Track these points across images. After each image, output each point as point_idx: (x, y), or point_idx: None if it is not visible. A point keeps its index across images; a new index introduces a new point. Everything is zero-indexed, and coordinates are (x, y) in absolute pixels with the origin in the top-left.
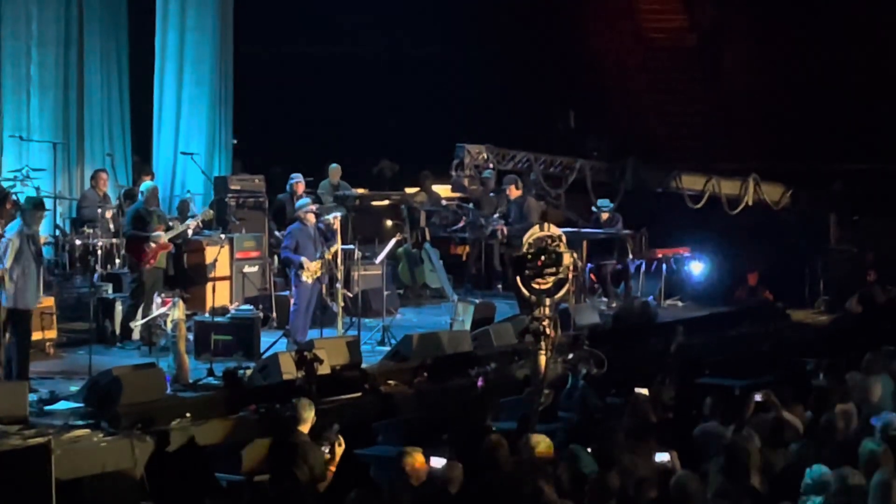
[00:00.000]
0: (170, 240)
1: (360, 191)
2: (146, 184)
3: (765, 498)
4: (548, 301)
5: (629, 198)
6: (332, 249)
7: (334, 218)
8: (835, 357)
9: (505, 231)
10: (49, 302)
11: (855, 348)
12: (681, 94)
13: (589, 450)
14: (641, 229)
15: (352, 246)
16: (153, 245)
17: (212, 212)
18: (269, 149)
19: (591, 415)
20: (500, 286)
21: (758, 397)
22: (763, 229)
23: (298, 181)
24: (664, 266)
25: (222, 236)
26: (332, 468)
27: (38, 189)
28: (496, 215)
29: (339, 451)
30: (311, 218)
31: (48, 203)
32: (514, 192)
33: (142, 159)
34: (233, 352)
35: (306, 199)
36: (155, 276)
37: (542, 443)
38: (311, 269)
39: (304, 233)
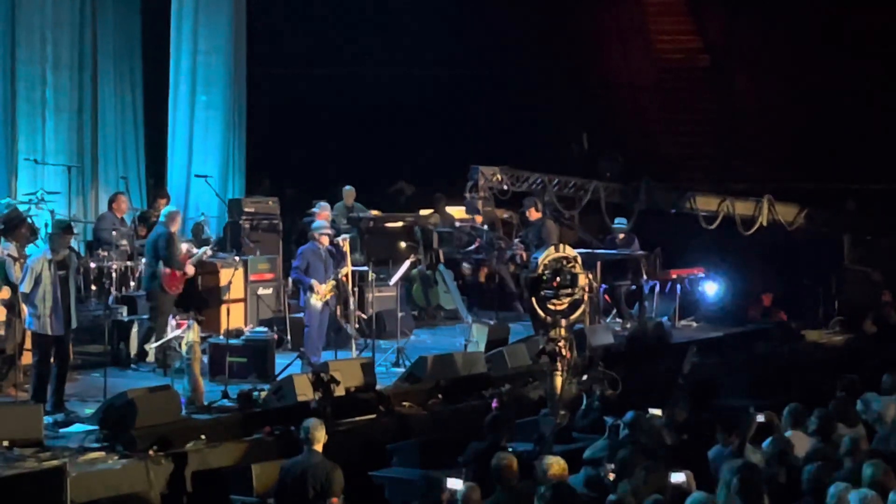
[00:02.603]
0: None
1: (374, 212)
2: (168, 208)
3: None
4: (563, 322)
5: (643, 218)
6: (343, 271)
7: (343, 240)
8: (850, 378)
9: (525, 256)
10: None
11: (870, 369)
12: (694, 115)
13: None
14: (655, 250)
15: (366, 268)
16: (183, 272)
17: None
18: (283, 171)
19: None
20: (518, 305)
21: (760, 418)
22: (777, 250)
23: (320, 212)
24: (678, 287)
25: (236, 258)
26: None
27: (52, 212)
28: (516, 240)
29: None
30: (325, 240)
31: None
32: (533, 214)
33: (157, 182)
34: (247, 374)
35: (322, 222)
36: (172, 301)
37: (556, 464)
38: (320, 292)
39: (315, 254)
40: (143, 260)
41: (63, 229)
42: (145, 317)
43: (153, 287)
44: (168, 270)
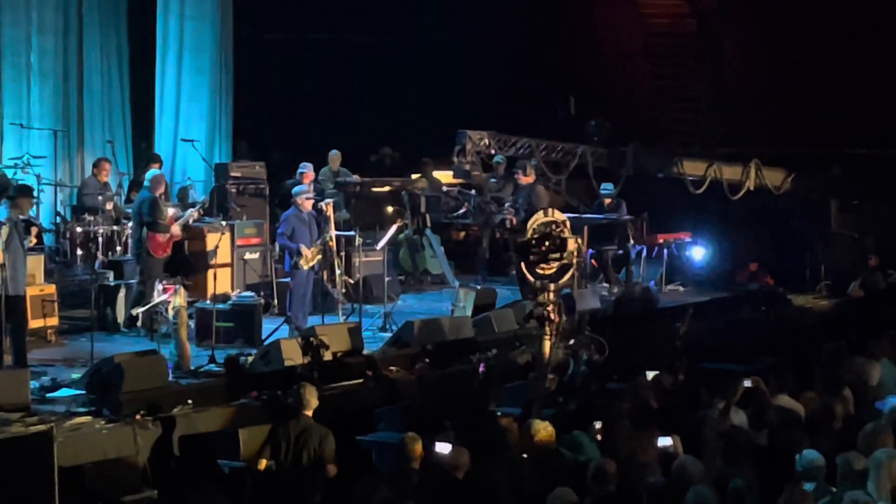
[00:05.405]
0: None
1: (357, 177)
2: (151, 171)
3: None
4: (552, 286)
5: (630, 183)
6: (327, 235)
7: (326, 204)
8: (837, 342)
9: (514, 220)
10: (51, 289)
11: (856, 333)
12: (682, 80)
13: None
14: (642, 214)
15: (352, 232)
16: (169, 235)
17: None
18: (270, 136)
19: (593, 401)
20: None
21: (747, 383)
22: (764, 214)
23: (306, 171)
24: (665, 251)
25: (223, 223)
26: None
27: (38, 176)
28: (507, 204)
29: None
30: (308, 205)
31: (48, 191)
32: (524, 179)
33: (150, 146)
34: (234, 339)
35: (304, 186)
36: (160, 265)
37: (543, 429)
38: (308, 256)
39: (299, 218)
40: (130, 224)
41: (25, 193)
42: (133, 281)
43: (139, 251)
44: (151, 234)
